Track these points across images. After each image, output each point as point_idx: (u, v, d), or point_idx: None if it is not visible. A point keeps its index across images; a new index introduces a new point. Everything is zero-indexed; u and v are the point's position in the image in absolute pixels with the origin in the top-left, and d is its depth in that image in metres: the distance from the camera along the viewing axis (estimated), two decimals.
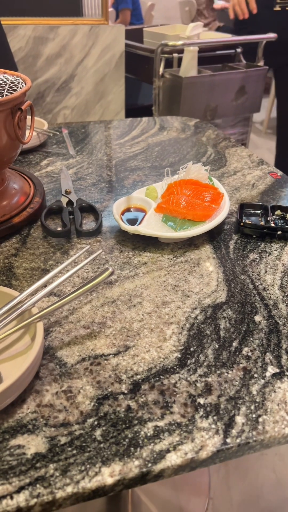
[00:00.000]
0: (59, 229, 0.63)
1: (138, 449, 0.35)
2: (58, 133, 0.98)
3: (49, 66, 1.64)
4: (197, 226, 0.60)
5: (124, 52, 1.74)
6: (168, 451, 0.35)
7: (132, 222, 0.63)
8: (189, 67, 1.64)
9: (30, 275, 0.54)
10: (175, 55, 1.72)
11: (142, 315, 0.48)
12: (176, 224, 0.60)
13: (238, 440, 0.36)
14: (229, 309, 0.49)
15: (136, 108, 2.36)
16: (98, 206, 0.69)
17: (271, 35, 1.66)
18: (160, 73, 1.66)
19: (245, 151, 0.94)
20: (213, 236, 0.63)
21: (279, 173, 0.83)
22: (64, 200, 0.69)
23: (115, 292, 0.52)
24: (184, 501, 1.02)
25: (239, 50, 1.90)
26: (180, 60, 1.71)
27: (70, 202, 0.69)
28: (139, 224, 0.62)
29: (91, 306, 0.49)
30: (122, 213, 0.64)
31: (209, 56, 1.86)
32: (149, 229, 0.59)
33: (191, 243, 0.61)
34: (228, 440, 0.36)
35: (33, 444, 0.35)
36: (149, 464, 0.34)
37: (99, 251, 0.50)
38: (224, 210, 0.63)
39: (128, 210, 0.66)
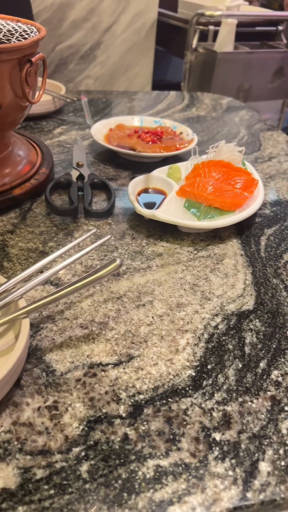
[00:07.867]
0: (65, 206, 0.55)
1: (133, 496, 0.27)
2: (76, 99, 0.89)
3: (74, 30, 1.54)
4: (225, 216, 0.52)
5: (156, 21, 1.62)
6: (171, 502, 0.27)
7: (150, 205, 0.54)
8: (225, 42, 1.51)
9: (26, 257, 0.46)
10: (211, 27, 1.59)
11: (152, 317, 0.40)
12: (200, 212, 0.52)
13: (261, 496, 0.28)
14: (257, 320, 0.41)
15: (163, 84, 2.24)
16: (112, 183, 0.61)
17: None
18: (194, 46, 1.54)
19: (282, 136, 0.83)
20: (242, 230, 0.54)
21: None
22: (75, 174, 0.60)
23: (122, 286, 0.43)
24: None
25: (281, 27, 1.75)
26: (216, 33, 1.58)
27: (81, 177, 0.60)
28: (157, 208, 0.53)
29: (92, 301, 0.41)
30: (139, 194, 0.56)
31: (247, 32, 1.72)
32: (168, 215, 0.51)
33: (216, 235, 0.52)
34: (249, 495, 0.28)
35: (1, 475, 0.28)
36: None
37: (107, 236, 0.42)
38: (257, 200, 0.54)
39: (146, 191, 0.57)
